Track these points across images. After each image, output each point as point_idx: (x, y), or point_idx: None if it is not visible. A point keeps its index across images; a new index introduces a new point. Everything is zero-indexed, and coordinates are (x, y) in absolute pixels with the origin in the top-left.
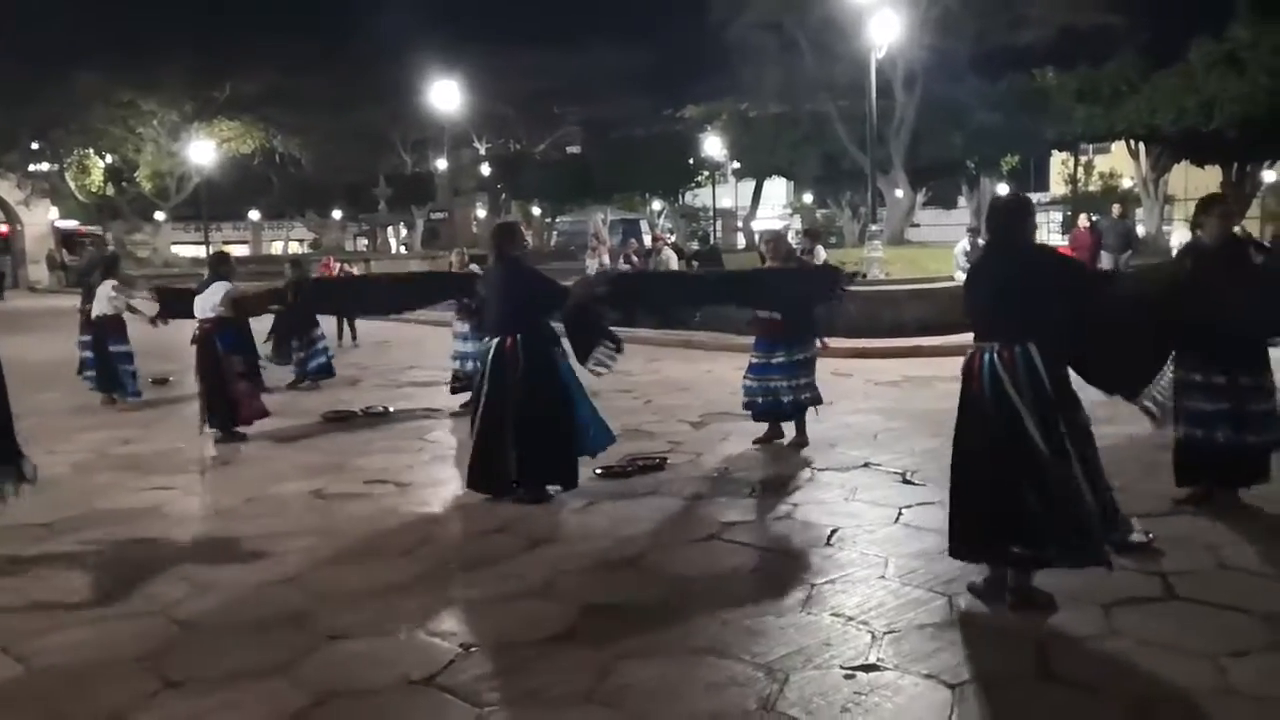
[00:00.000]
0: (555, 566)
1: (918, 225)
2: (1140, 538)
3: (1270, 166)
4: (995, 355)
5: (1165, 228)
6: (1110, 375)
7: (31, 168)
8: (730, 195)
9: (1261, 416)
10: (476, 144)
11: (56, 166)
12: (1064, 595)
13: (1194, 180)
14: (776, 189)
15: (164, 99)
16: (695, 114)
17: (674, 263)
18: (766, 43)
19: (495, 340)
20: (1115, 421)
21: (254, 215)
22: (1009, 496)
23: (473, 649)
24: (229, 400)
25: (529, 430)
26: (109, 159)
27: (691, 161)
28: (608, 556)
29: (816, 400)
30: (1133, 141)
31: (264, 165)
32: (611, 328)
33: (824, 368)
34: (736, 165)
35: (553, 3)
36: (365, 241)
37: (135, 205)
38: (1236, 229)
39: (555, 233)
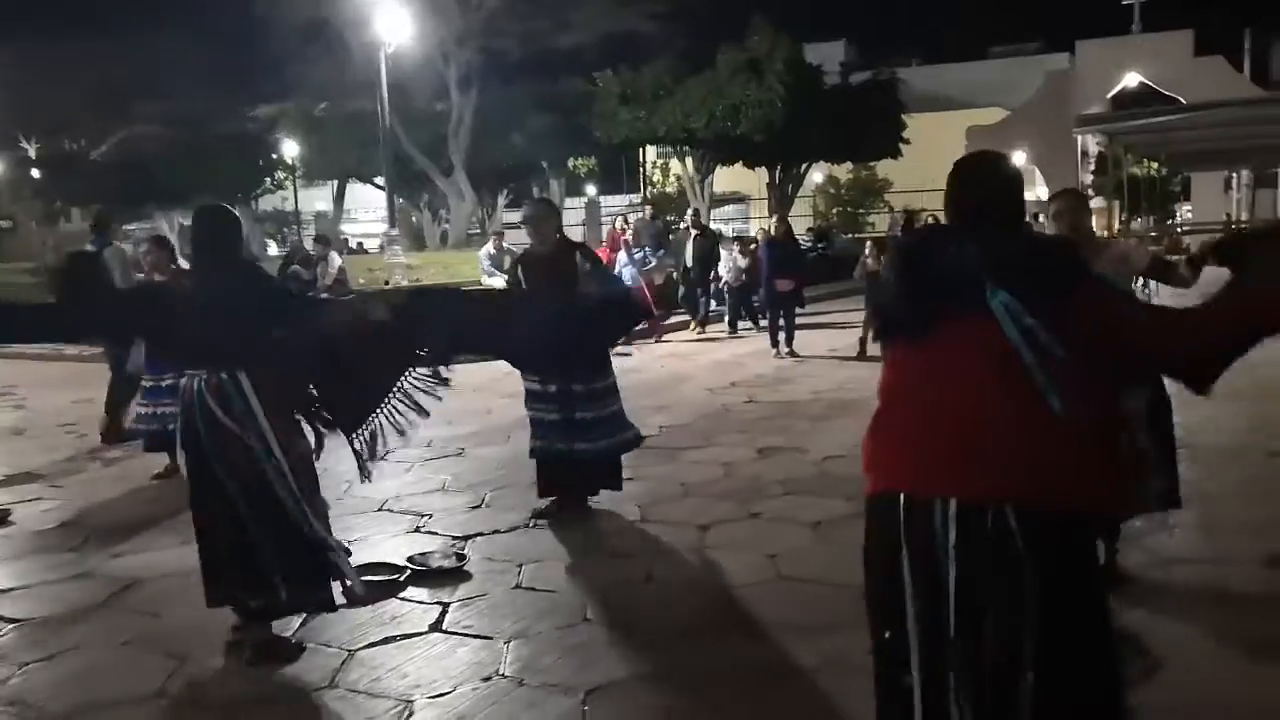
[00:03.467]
0: None
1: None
2: (448, 562)
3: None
4: (203, 384)
5: (720, 227)
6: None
7: None
8: (323, 200)
9: (592, 424)
10: (25, 144)
11: None
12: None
13: (744, 182)
14: (372, 194)
15: None
16: (267, 114)
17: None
18: (308, 39)
19: None
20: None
21: None
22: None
23: None
24: None
25: None
26: None
27: (262, 163)
28: None
29: None
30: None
31: None
32: None
33: None
34: (300, 169)
35: None
36: None
37: None
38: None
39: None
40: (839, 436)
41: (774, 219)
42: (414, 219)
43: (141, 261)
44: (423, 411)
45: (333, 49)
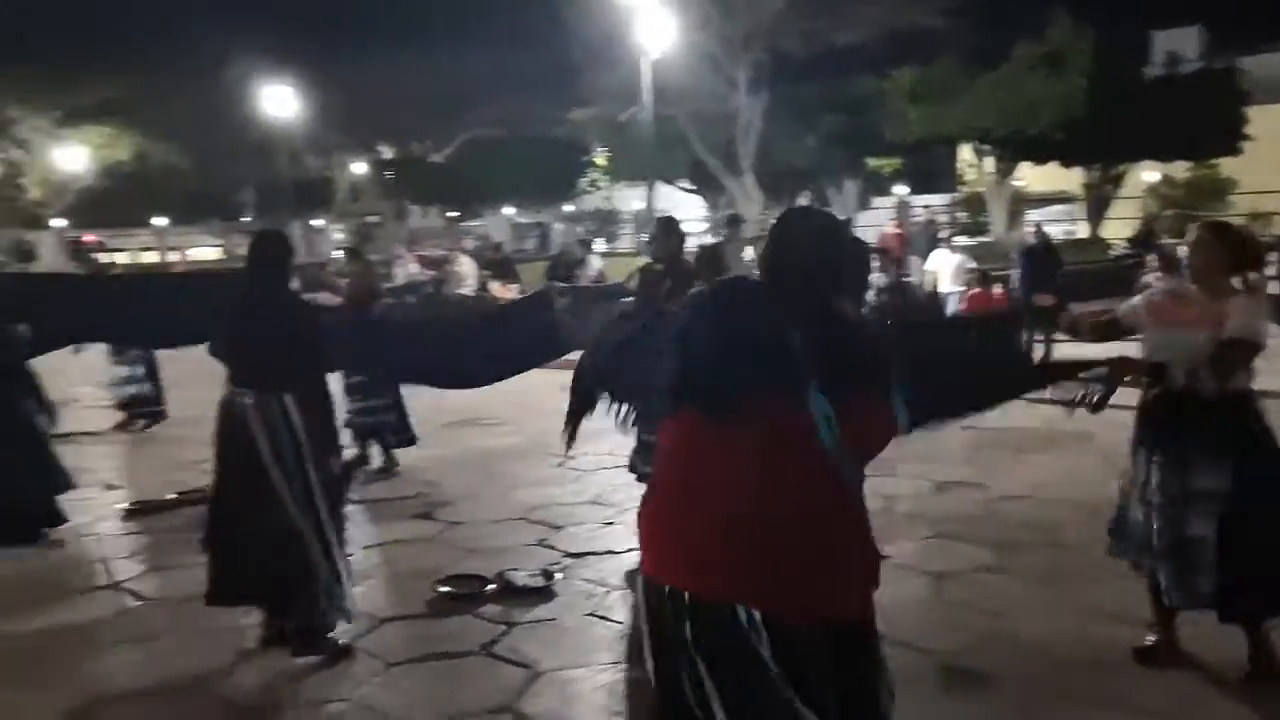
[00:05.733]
0: None
1: None
2: (534, 581)
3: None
4: (249, 401)
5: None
6: None
7: None
8: (640, 199)
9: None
10: (381, 148)
11: None
12: None
13: (1055, 180)
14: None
15: (30, 106)
16: (579, 117)
17: (470, 273)
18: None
19: None
20: None
21: (160, 222)
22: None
23: None
24: None
25: None
26: None
27: (579, 164)
28: None
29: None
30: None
31: (160, 171)
32: None
33: None
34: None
35: (445, 4)
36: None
37: (24, 214)
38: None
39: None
40: (1032, 473)
41: (1033, 228)
42: (714, 220)
43: (338, 271)
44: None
45: (631, 56)
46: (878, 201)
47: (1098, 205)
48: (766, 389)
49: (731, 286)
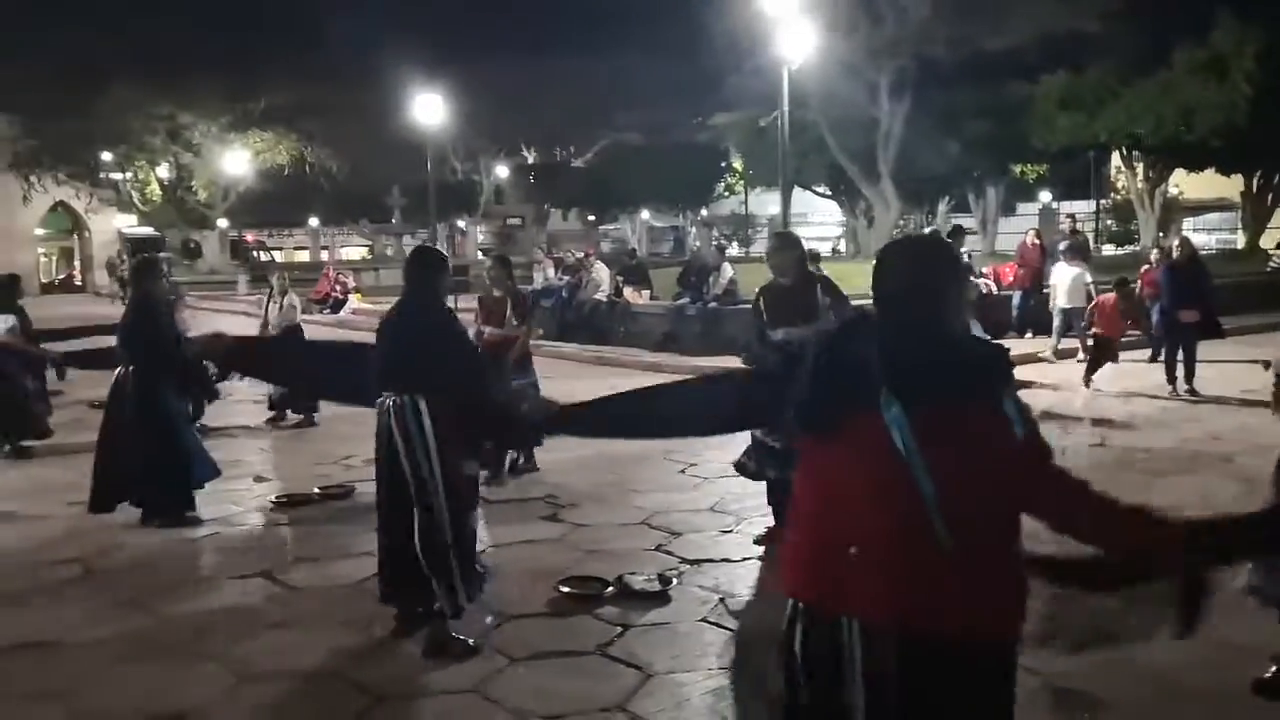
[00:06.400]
0: None
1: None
2: (651, 585)
3: None
4: (392, 403)
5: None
6: None
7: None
8: (776, 204)
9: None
10: (525, 152)
11: (122, 176)
12: None
13: (1212, 188)
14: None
15: (201, 112)
16: (718, 122)
17: (605, 278)
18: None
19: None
20: None
21: (314, 222)
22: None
23: None
24: (16, 419)
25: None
26: (164, 169)
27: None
28: None
29: None
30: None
31: (317, 173)
32: None
33: None
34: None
35: (588, 12)
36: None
37: (193, 214)
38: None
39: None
40: (1166, 496)
41: (1175, 241)
42: (849, 225)
43: (485, 276)
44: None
45: (773, 62)
46: (1022, 208)
47: (1258, 214)
48: (855, 412)
49: (851, 323)
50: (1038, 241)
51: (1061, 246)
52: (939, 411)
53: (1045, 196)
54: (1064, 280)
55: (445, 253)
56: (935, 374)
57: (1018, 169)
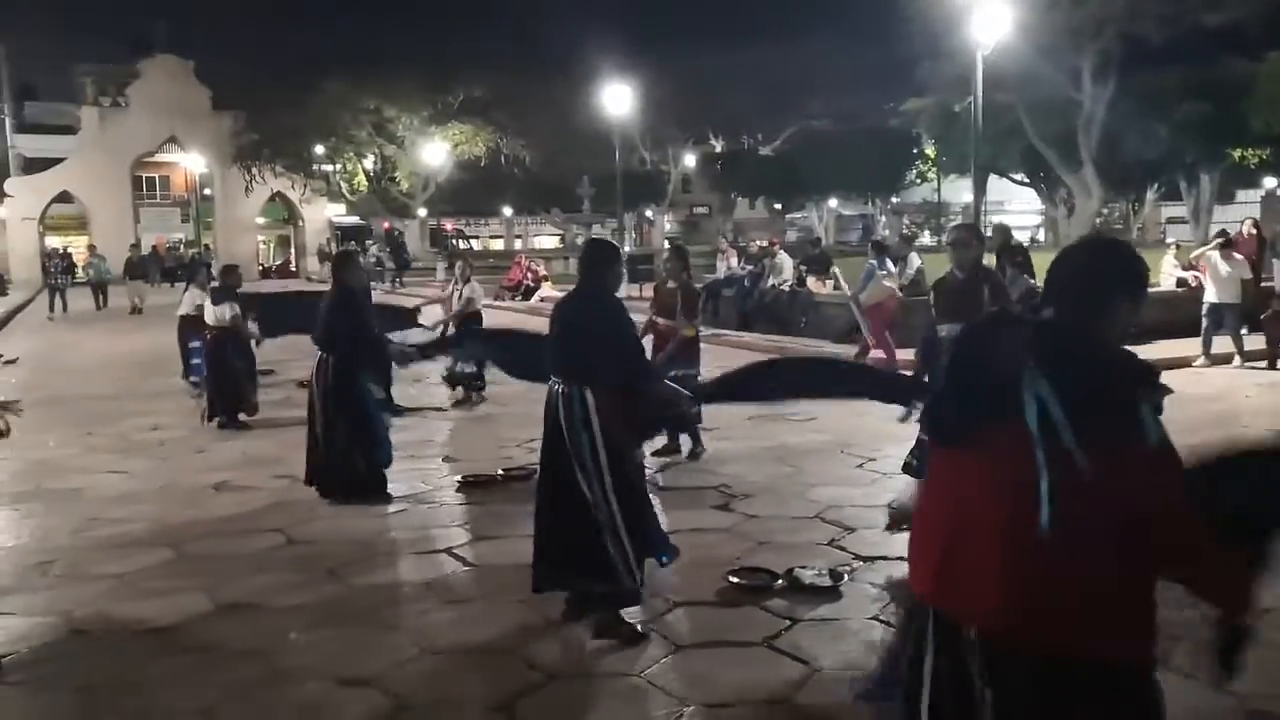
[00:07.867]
0: None
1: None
2: (821, 580)
3: None
4: (560, 390)
5: None
6: None
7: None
8: (962, 192)
9: None
10: (713, 141)
11: (331, 168)
12: None
13: None
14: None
15: (403, 105)
16: (912, 108)
17: (788, 268)
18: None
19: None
20: None
21: (507, 211)
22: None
23: None
24: (235, 396)
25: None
26: (370, 160)
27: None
28: None
29: None
30: None
31: (510, 164)
32: None
33: None
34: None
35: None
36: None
37: (395, 203)
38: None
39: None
40: None
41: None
42: (1047, 214)
43: (662, 267)
44: None
45: (967, 46)
46: (1242, 195)
47: None
48: (992, 422)
49: (985, 323)
50: (1255, 231)
51: (1220, 237)
52: (1079, 415)
53: (1270, 182)
54: (1218, 273)
55: (618, 245)
56: (1085, 377)
57: (1236, 153)
